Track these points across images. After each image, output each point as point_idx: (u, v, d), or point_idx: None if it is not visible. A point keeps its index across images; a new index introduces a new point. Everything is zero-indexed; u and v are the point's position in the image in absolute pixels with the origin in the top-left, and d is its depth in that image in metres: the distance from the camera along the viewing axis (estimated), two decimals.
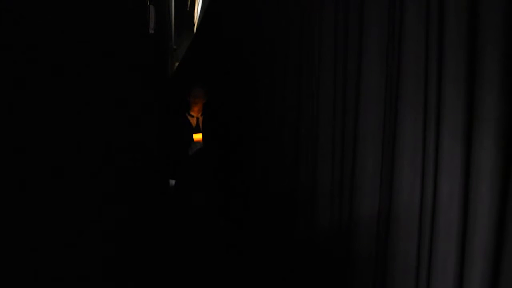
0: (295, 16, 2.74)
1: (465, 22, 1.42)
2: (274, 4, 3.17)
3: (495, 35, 1.30)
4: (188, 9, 12.45)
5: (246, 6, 3.98)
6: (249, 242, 3.48)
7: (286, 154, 2.87)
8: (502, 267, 1.26)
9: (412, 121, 1.64)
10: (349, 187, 2.05)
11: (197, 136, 3.62)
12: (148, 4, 3.47)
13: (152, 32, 3.53)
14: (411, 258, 1.64)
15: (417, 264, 1.62)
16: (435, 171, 1.53)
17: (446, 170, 1.47)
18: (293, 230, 2.73)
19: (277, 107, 3.08)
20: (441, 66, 1.50)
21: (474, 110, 1.37)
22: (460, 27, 1.44)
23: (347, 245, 2.08)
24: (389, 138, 1.79)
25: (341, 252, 2.16)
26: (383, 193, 1.84)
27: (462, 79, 1.43)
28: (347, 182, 2.10)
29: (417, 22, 1.61)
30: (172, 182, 4.36)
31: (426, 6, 1.59)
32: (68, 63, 1.34)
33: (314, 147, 2.45)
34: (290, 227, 2.79)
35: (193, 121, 3.79)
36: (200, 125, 3.78)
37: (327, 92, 2.31)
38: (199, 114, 3.81)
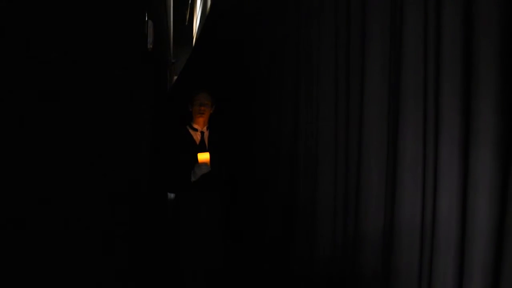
0: (293, 29, 2.77)
1: (462, 38, 1.45)
2: (272, 16, 3.21)
3: (490, 51, 1.32)
4: (186, 23, 12.58)
5: (245, 19, 4.02)
6: (247, 259, 3.46)
7: (286, 169, 2.88)
8: (500, 279, 1.25)
9: (412, 135, 1.65)
10: (355, 201, 2.05)
11: (203, 156, 2.60)
12: (146, 19, 3.50)
13: (151, 47, 3.54)
14: (414, 270, 1.64)
15: (419, 276, 1.62)
16: (434, 184, 1.53)
17: (444, 183, 1.48)
18: (293, 246, 2.72)
19: (275, 120, 3.10)
20: (439, 81, 1.51)
21: (470, 124, 1.38)
22: (456, 43, 1.46)
23: (351, 258, 2.07)
24: (391, 153, 1.80)
25: (344, 265, 2.15)
26: (387, 207, 1.84)
27: (459, 94, 1.45)
28: (351, 197, 2.10)
29: (416, 39, 1.64)
30: (171, 195, 3.90)
31: (424, 21, 1.61)
32: (65, 83, 1.35)
33: (314, 163, 2.45)
34: (289, 244, 2.78)
35: (197, 137, 2.80)
36: (206, 141, 2.80)
37: (328, 107, 2.33)
38: (205, 128, 2.83)
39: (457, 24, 1.46)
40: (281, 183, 2.93)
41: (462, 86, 1.44)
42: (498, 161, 1.31)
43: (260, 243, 3.29)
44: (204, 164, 2.61)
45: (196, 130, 2.81)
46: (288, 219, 2.82)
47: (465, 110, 1.43)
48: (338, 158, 2.24)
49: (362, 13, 1.97)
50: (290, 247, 2.75)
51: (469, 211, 1.38)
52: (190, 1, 11.88)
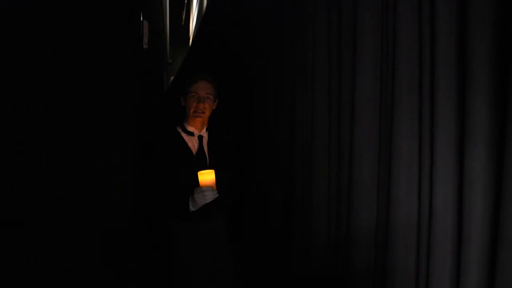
0: (288, 29, 2.77)
1: (456, 36, 1.45)
2: (267, 17, 3.21)
3: (485, 49, 1.32)
4: (183, 23, 12.56)
5: (241, 19, 4.02)
6: (246, 256, 3.46)
7: (281, 168, 2.88)
8: (497, 274, 1.26)
9: (407, 133, 1.66)
10: (347, 199, 2.05)
11: (207, 177, 1.71)
12: (141, 19, 3.49)
13: (146, 47, 3.53)
14: (410, 268, 1.64)
15: (416, 273, 1.62)
16: (430, 182, 1.54)
17: (440, 181, 1.48)
18: (290, 243, 2.72)
19: (273, 121, 3.10)
20: (433, 79, 1.52)
21: (466, 122, 1.38)
22: (451, 41, 1.46)
23: (346, 256, 2.08)
24: (385, 150, 1.81)
25: (340, 264, 2.15)
26: (380, 204, 1.84)
27: (454, 92, 1.45)
28: (344, 195, 2.10)
29: (410, 37, 1.64)
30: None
31: (418, 20, 1.61)
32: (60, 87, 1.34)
33: (309, 159, 2.46)
34: (287, 240, 2.78)
35: (193, 143, 1.93)
36: (206, 150, 1.94)
37: (322, 104, 2.33)
38: (203, 130, 1.97)
39: (452, 22, 1.46)
40: (281, 183, 2.93)
41: (457, 84, 1.44)
42: (493, 159, 1.31)
43: (260, 242, 3.29)
44: (208, 189, 1.70)
45: (191, 134, 1.93)
46: (287, 218, 2.82)
47: (460, 108, 1.43)
48: (332, 157, 2.24)
49: (354, 12, 1.98)
50: (289, 246, 2.76)
51: (465, 208, 1.38)
52: (186, 1, 11.87)
